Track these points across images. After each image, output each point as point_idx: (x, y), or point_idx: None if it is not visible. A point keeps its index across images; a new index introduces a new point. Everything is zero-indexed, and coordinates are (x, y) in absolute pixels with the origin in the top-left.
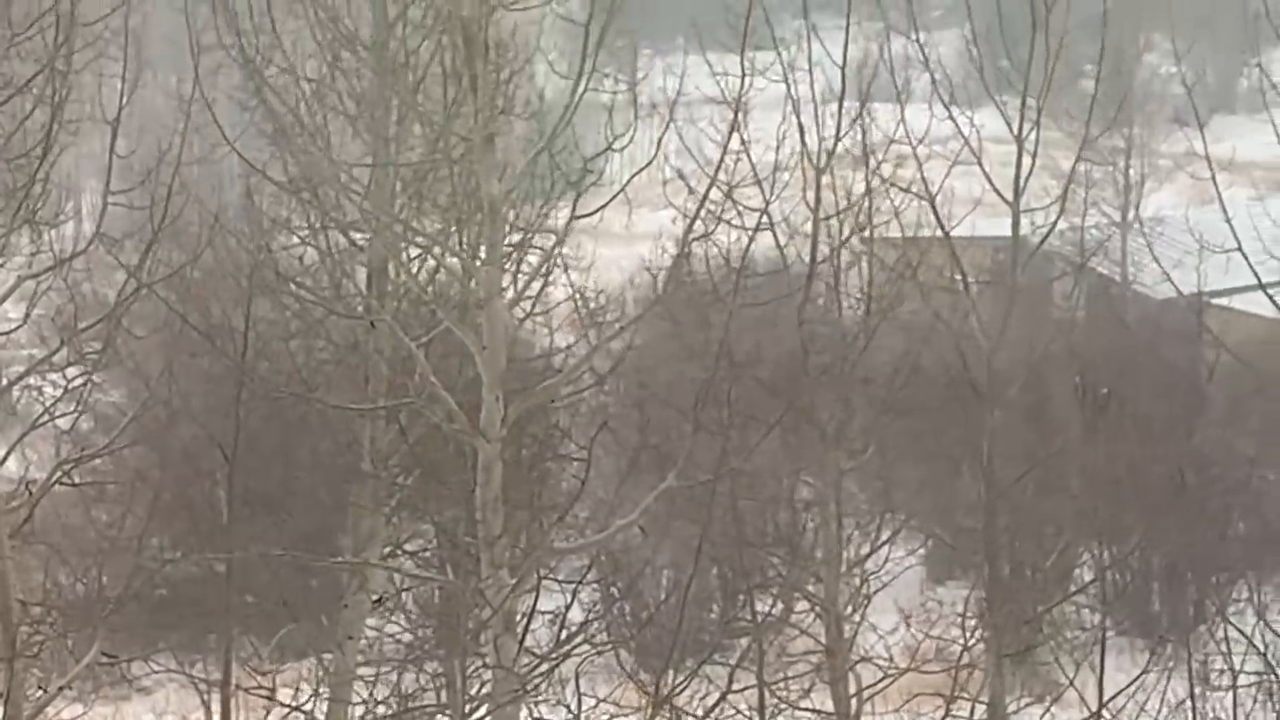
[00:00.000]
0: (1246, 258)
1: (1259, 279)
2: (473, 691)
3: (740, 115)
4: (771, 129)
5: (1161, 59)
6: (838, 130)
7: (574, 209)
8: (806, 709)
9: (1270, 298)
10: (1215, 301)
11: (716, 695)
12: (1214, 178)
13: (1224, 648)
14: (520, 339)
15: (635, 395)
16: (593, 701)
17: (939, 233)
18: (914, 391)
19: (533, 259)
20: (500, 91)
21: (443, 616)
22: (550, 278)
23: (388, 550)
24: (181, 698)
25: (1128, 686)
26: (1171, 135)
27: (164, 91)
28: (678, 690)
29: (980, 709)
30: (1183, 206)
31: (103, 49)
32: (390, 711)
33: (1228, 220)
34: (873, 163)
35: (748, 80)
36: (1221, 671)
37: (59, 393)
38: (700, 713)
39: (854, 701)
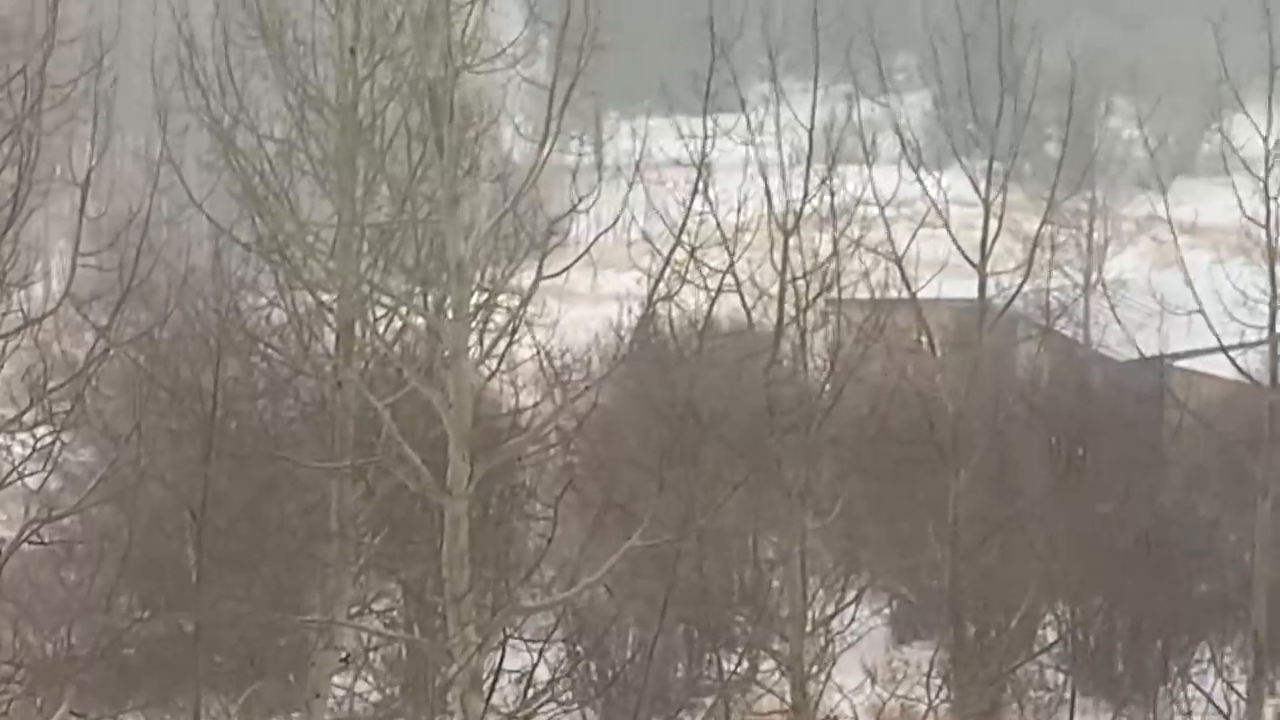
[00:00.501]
0: (1208, 320)
1: (1220, 341)
2: None
3: (705, 176)
4: (736, 190)
5: (1124, 123)
6: (805, 192)
7: (540, 269)
8: None
9: (1232, 360)
10: (1178, 364)
11: None
12: (1176, 241)
13: (1187, 708)
14: (486, 398)
15: (601, 454)
16: None
17: (905, 294)
18: (880, 452)
19: (499, 318)
20: (466, 153)
21: (410, 675)
22: (516, 337)
23: (355, 609)
24: None
25: None
26: (1134, 199)
27: (133, 153)
28: None
29: None
30: (1145, 269)
31: (73, 111)
32: None
33: (1189, 283)
34: (840, 224)
35: (713, 142)
36: None
37: (28, 452)
38: None
39: None
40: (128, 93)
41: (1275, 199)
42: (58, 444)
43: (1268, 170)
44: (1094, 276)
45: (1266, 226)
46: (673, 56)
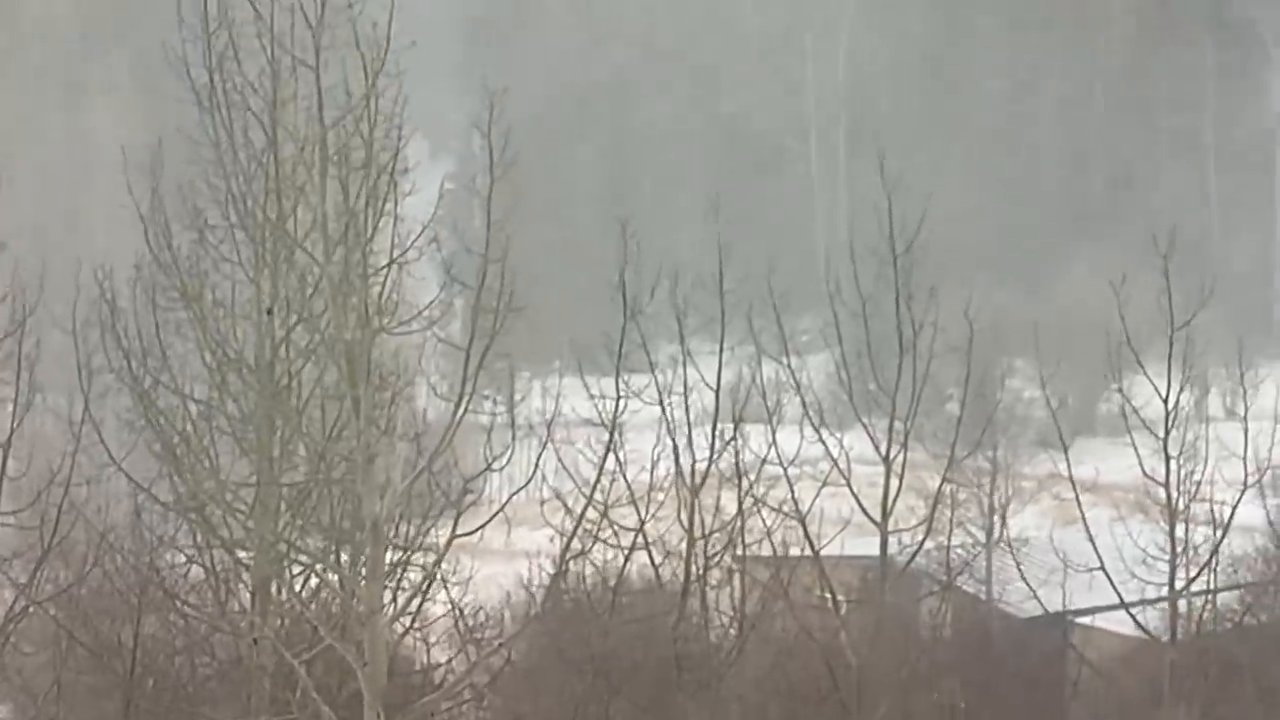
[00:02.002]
0: (1109, 577)
1: (1121, 598)
2: None
3: (616, 436)
4: (647, 449)
5: (1024, 383)
6: (711, 451)
7: (454, 527)
8: None
9: (1133, 616)
10: (1079, 620)
11: None
12: (1078, 499)
13: None
14: (400, 654)
15: (514, 710)
16: None
17: (809, 551)
18: (785, 707)
19: (413, 576)
20: (382, 413)
21: None
22: (430, 594)
23: None
24: None
25: None
26: (1035, 457)
27: (54, 413)
28: None
29: None
30: (1047, 526)
31: None
32: None
33: (1090, 540)
34: (745, 483)
35: (624, 403)
36: None
37: None
38: None
39: None
40: (50, 353)
41: (1174, 458)
42: None
43: (1167, 431)
44: (995, 533)
45: (1166, 485)
46: (585, 319)
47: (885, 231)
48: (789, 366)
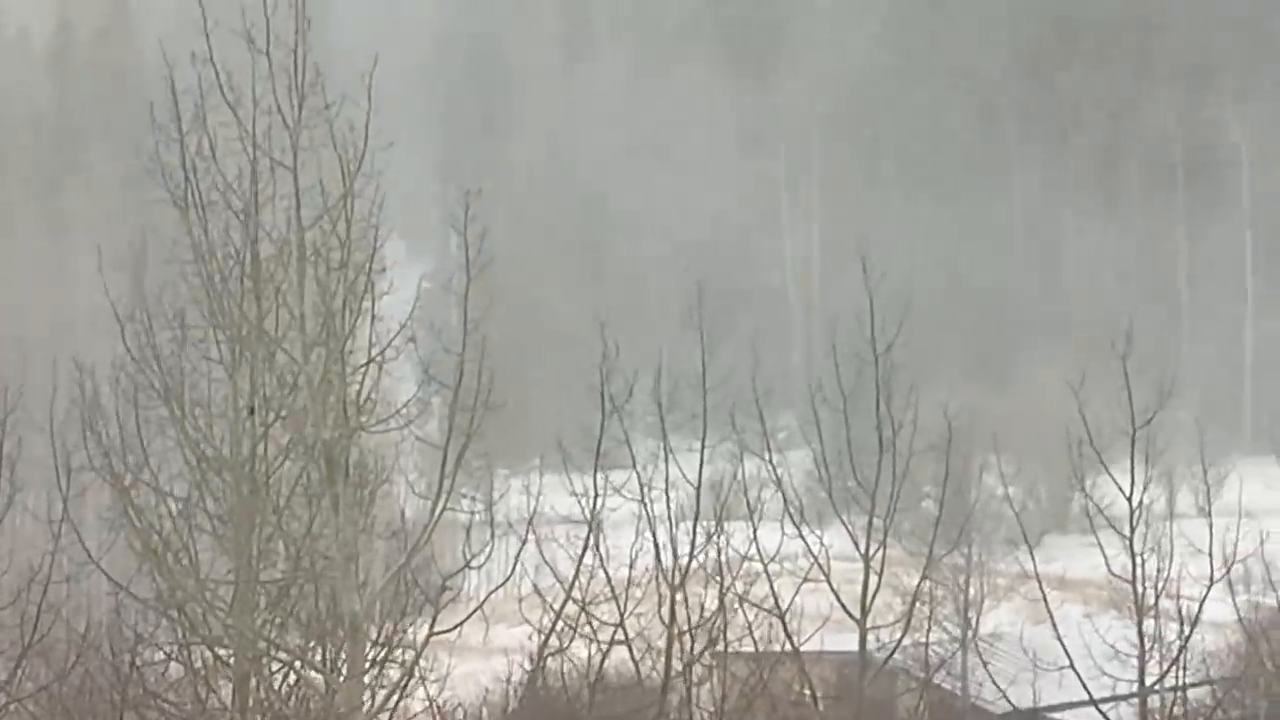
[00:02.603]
0: (1079, 675)
1: (1091, 695)
2: None
3: (596, 532)
4: (627, 545)
5: (998, 481)
6: (692, 548)
7: (433, 624)
8: None
9: (1103, 714)
10: (1051, 716)
11: None
12: (1045, 598)
13: None
14: None
15: None
16: None
17: (789, 648)
18: None
19: (392, 673)
20: (361, 511)
21: None
22: (409, 691)
23: None
24: None
25: None
26: (1008, 555)
27: (34, 513)
28: None
29: None
30: (1020, 623)
31: None
32: None
33: (1060, 638)
34: (726, 579)
35: (603, 500)
36: None
37: None
38: None
39: None
40: (30, 453)
41: (1141, 555)
42: None
43: (1133, 529)
44: (970, 631)
45: (1133, 583)
46: (565, 415)
47: (866, 334)
48: (770, 463)
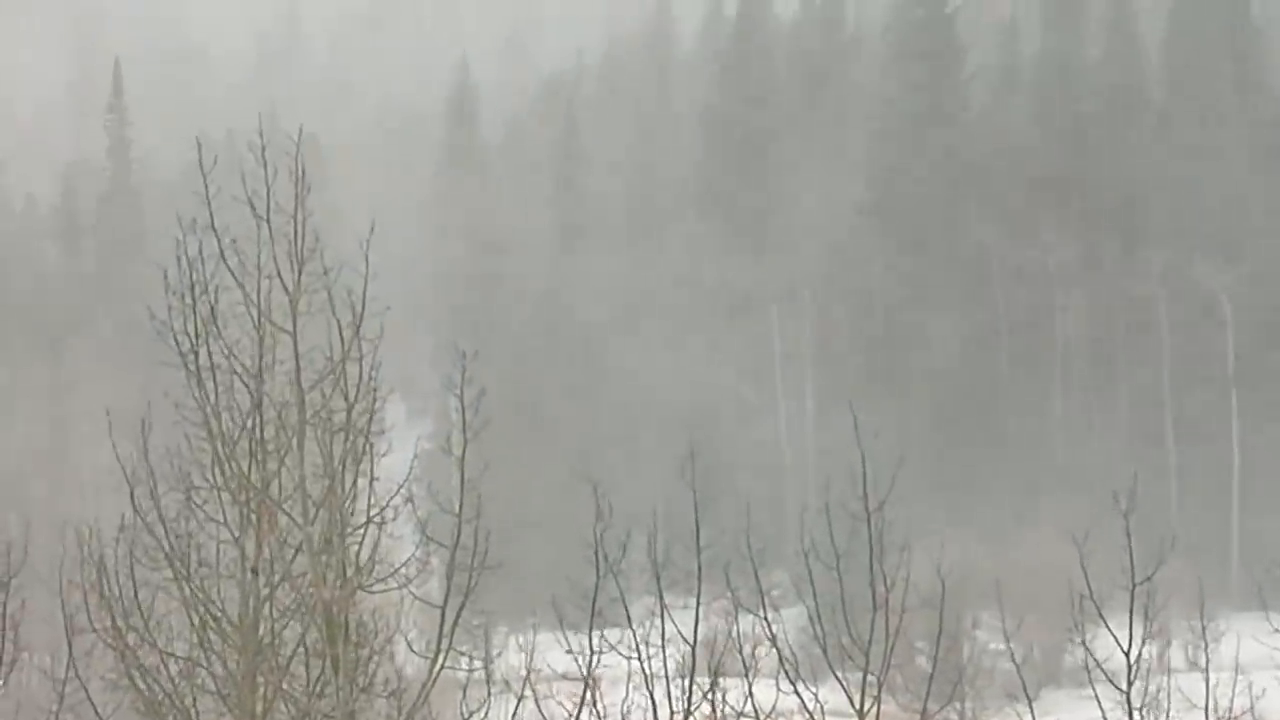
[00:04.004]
0: None
1: None
2: None
3: (592, 689)
4: (622, 702)
5: (991, 635)
6: (687, 704)
7: None
8: None
9: None
10: None
11: None
12: None
13: None
14: None
15: None
16: None
17: None
18: None
19: None
20: (361, 670)
21: None
22: None
23: None
24: None
25: None
26: (1003, 709)
27: (39, 672)
28: None
29: None
30: None
31: None
32: None
33: None
34: None
35: (598, 657)
36: None
37: None
38: None
39: None
40: (35, 613)
41: (1138, 710)
42: None
43: (1130, 684)
44: None
45: None
46: (560, 574)
47: (858, 492)
48: (765, 619)
